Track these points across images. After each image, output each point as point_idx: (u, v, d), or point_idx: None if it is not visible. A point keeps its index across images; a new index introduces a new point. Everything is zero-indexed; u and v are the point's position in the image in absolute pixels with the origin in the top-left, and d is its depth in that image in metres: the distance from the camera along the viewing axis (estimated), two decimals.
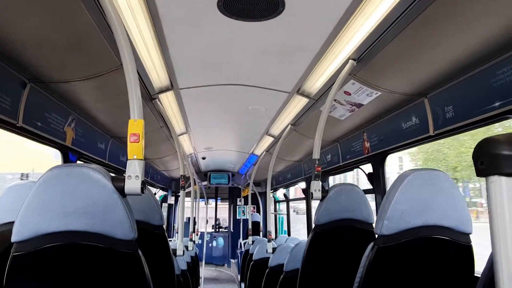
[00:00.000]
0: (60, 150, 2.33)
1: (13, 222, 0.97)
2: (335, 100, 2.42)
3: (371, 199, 2.62)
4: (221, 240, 9.56)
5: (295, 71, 2.25)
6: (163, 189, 6.86)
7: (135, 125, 1.11)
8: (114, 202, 1.00)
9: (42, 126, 1.99)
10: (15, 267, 0.95)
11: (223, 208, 10.46)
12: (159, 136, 3.56)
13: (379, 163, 2.72)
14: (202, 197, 8.03)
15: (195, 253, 5.24)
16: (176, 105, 2.98)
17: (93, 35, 1.54)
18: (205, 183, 7.98)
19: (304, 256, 1.90)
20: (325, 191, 1.87)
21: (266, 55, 2.08)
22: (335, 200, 1.87)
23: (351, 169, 3.50)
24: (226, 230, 9.95)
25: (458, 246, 1.28)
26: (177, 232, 3.17)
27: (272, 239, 3.55)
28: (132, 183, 1.05)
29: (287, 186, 6.17)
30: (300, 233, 6.69)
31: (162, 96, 2.63)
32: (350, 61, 1.88)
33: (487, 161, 0.55)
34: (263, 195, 7.35)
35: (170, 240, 4.77)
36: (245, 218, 8.28)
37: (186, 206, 4.83)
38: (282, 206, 7.30)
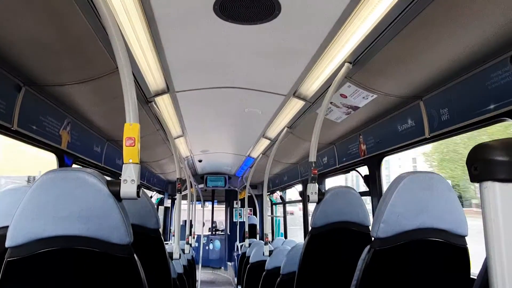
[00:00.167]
0: (55, 153, 2.31)
1: (7, 227, 0.95)
2: (331, 102, 2.42)
3: (368, 201, 2.64)
4: (217, 243, 9.52)
5: (291, 74, 2.26)
6: (159, 192, 6.84)
7: (131, 129, 1.11)
8: (110, 207, 0.99)
9: (37, 129, 1.98)
10: (9, 273, 0.93)
11: (220, 211, 10.41)
12: (155, 139, 3.55)
13: (375, 165, 2.73)
14: (198, 199, 8.01)
15: (192, 256, 5.22)
16: (172, 108, 2.98)
17: (88, 38, 1.54)
18: (201, 185, 7.96)
19: (300, 259, 1.89)
20: (321, 194, 1.87)
21: (262, 58, 2.08)
22: (332, 202, 1.87)
23: (348, 172, 3.51)
24: (222, 233, 9.91)
25: (454, 248, 1.28)
26: (174, 235, 3.15)
27: (269, 242, 3.55)
28: (128, 187, 1.04)
29: (283, 189, 6.16)
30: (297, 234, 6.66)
31: (158, 99, 2.62)
32: (346, 64, 1.89)
33: (481, 166, 0.55)
34: (260, 197, 7.34)
35: (167, 243, 4.75)
36: (242, 220, 8.24)
37: (183, 209, 4.81)
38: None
